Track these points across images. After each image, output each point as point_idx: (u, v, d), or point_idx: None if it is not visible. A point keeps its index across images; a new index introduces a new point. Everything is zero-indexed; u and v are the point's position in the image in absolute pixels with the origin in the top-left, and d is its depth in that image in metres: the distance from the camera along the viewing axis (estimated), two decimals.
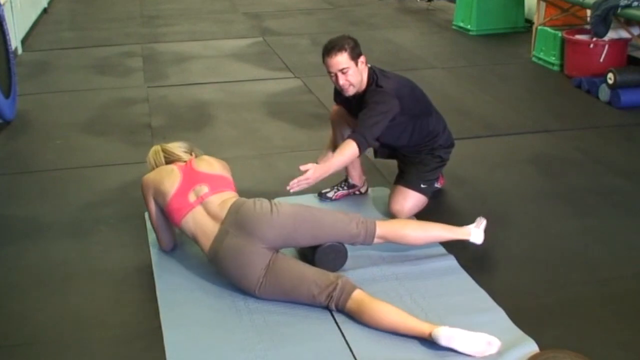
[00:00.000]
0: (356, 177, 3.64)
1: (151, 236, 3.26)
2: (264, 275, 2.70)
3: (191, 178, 2.98)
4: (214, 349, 2.52)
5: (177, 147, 3.18)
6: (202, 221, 2.85)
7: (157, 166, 3.13)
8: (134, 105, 5.27)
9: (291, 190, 3.00)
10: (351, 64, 3.20)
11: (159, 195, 2.98)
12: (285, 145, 4.48)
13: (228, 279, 2.83)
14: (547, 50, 6.05)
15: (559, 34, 5.86)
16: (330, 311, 2.67)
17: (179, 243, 3.18)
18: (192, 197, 2.91)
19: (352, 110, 3.44)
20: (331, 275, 2.70)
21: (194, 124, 4.89)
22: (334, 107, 3.58)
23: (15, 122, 4.87)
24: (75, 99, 5.47)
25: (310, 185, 3.06)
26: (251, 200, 2.86)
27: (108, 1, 9.48)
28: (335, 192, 3.64)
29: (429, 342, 2.46)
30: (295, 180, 3.01)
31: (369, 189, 3.71)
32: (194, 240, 2.89)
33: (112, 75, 6.10)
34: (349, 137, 3.17)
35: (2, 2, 5.50)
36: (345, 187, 3.66)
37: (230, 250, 2.73)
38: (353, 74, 3.22)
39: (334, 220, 2.90)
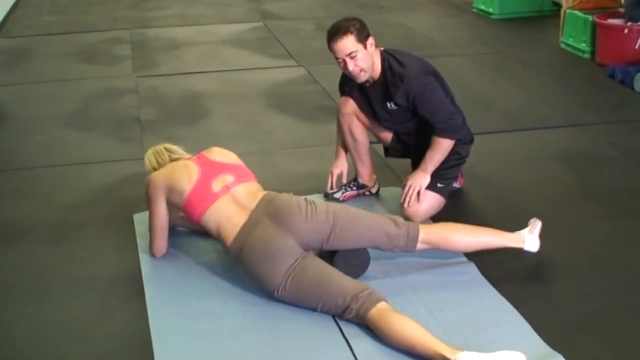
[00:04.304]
0: (366, 175, 3.63)
1: (140, 241, 3.26)
2: (289, 275, 2.73)
3: (211, 168, 3.01)
4: None
5: (177, 147, 3.27)
6: (229, 210, 2.90)
7: (160, 166, 3.16)
8: (121, 97, 5.28)
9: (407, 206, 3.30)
10: (359, 47, 3.20)
11: (175, 191, 2.99)
12: (289, 141, 4.48)
13: (249, 274, 2.86)
14: (576, 36, 6.03)
15: (590, 18, 5.84)
16: (346, 321, 2.66)
17: (170, 249, 3.18)
18: (216, 187, 2.95)
19: (368, 100, 3.42)
20: (360, 283, 2.74)
21: (188, 117, 4.89)
22: (341, 100, 3.56)
23: None
24: (58, 89, 5.48)
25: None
26: (285, 194, 2.94)
27: None
28: (343, 193, 3.62)
29: None
30: (407, 198, 3.28)
31: (380, 189, 3.70)
32: (218, 232, 2.91)
33: (98, 63, 6.11)
34: (436, 135, 3.29)
35: None
36: (355, 188, 3.64)
37: (260, 240, 2.78)
38: (363, 58, 3.22)
39: (371, 219, 2.95)
